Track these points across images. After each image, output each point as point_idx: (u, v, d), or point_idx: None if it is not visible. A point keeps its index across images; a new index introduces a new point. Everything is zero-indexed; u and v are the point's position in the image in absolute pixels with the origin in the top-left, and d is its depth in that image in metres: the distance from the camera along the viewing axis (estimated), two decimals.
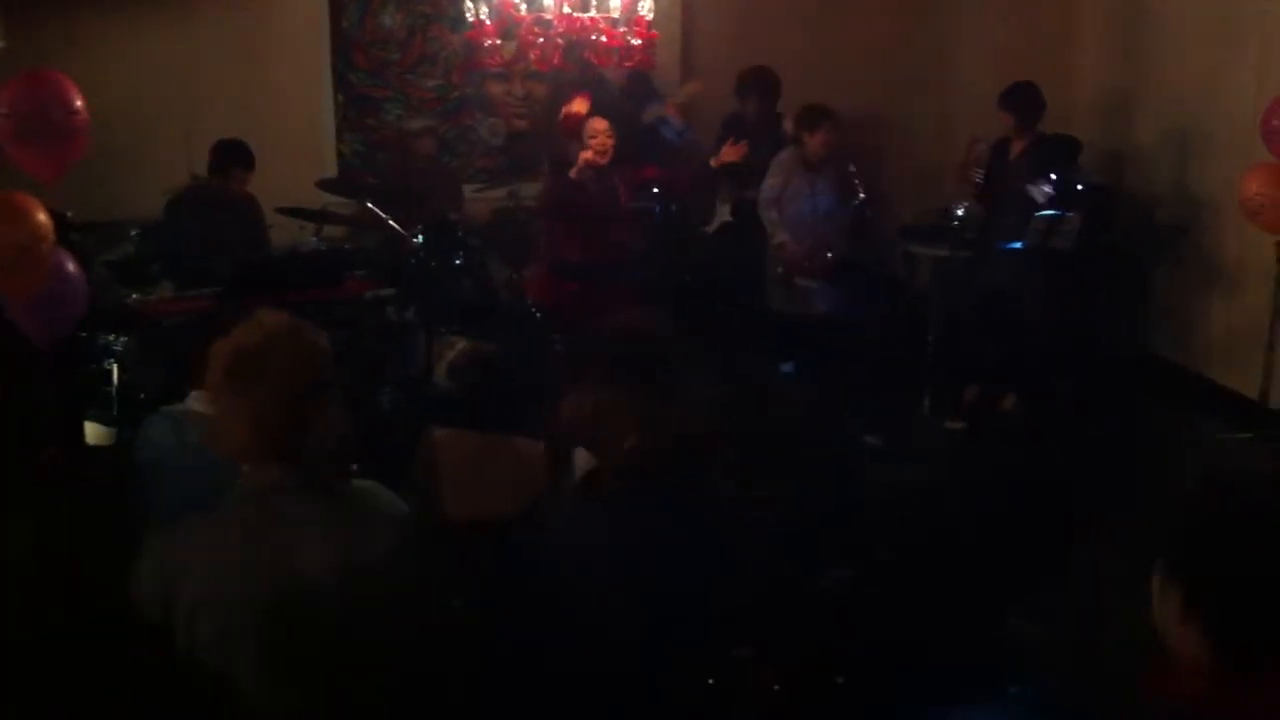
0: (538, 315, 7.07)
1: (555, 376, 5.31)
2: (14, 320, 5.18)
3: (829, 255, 7.20)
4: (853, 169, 7.18)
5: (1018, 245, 7.10)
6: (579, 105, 7.27)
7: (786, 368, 7.22)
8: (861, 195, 7.16)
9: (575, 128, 6.97)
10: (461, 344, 4.51)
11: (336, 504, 2.65)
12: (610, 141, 6.76)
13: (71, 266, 5.22)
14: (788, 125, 7.63)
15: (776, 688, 3.27)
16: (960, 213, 7.63)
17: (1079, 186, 7.24)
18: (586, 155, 6.71)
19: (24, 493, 5.41)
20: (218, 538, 2.58)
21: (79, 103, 5.33)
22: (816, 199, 7.23)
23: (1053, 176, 7.06)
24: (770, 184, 7.30)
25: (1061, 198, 7.06)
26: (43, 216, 4.94)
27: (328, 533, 2.58)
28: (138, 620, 2.59)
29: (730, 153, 7.30)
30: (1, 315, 5.21)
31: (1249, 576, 1.83)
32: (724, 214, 7.98)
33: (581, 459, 3.87)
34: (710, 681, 2.97)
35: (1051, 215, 6.98)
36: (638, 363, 3.02)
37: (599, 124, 6.82)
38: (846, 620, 4.38)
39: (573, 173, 6.76)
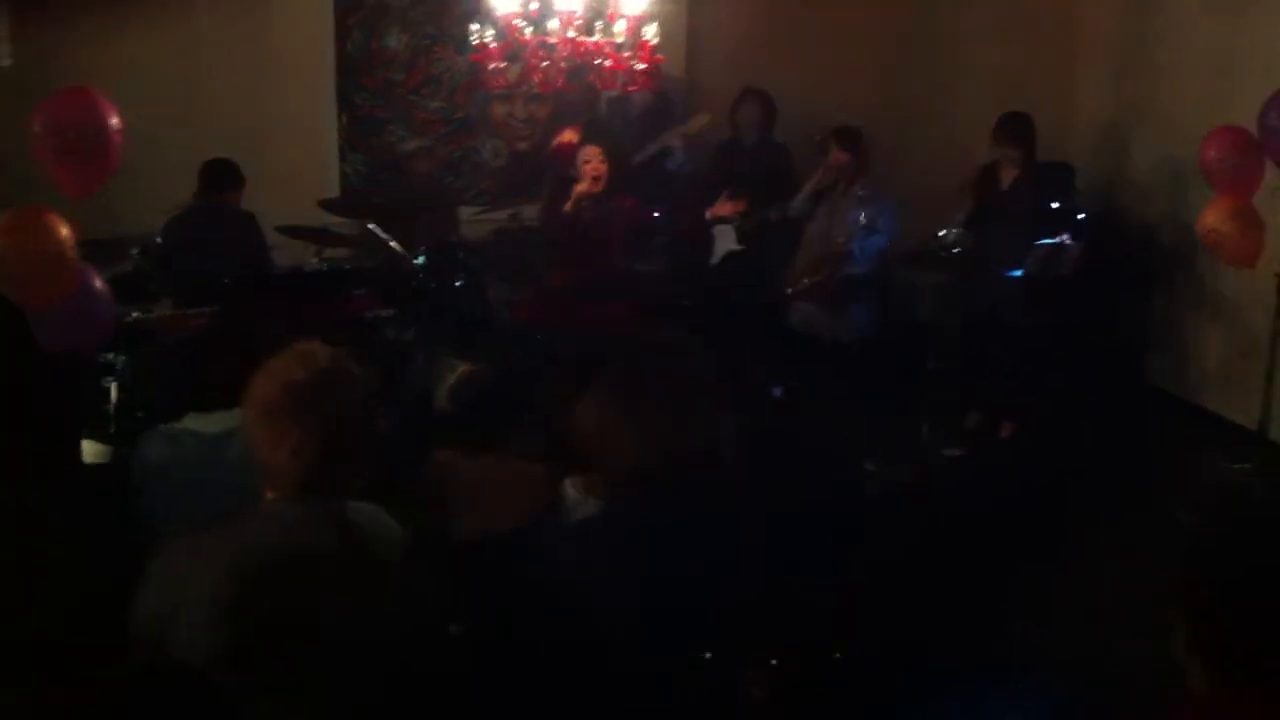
0: (538, 337, 7.08)
1: (551, 393, 5.30)
2: (38, 334, 5.23)
3: (813, 278, 7.20)
4: (865, 193, 7.20)
5: (1017, 273, 7.11)
6: (569, 135, 7.31)
7: (776, 390, 7.22)
8: (863, 223, 7.16)
9: (567, 157, 7.01)
10: (462, 366, 4.51)
11: (347, 532, 2.66)
12: (604, 167, 6.80)
13: (98, 283, 5.30)
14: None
15: (769, 695, 3.27)
16: (942, 235, 7.62)
17: (1079, 215, 7.25)
18: (581, 188, 6.75)
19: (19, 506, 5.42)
20: (225, 560, 2.57)
21: (114, 121, 5.40)
22: (832, 221, 7.23)
23: (1054, 205, 7.08)
24: (794, 205, 7.34)
25: (1060, 226, 7.08)
26: (65, 230, 5.00)
27: (336, 560, 2.60)
28: (137, 639, 2.58)
29: (726, 207, 7.33)
30: (19, 327, 5.26)
31: (1250, 610, 1.83)
32: (728, 244, 7.94)
33: (569, 485, 3.87)
34: (706, 685, 2.97)
35: (1051, 244, 6.99)
36: (639, 377, 3.02)
37: (592, 151, 6.86)
38: (838, 642, 4.36)
39: (567, 206, 6.79)
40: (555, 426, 3.31)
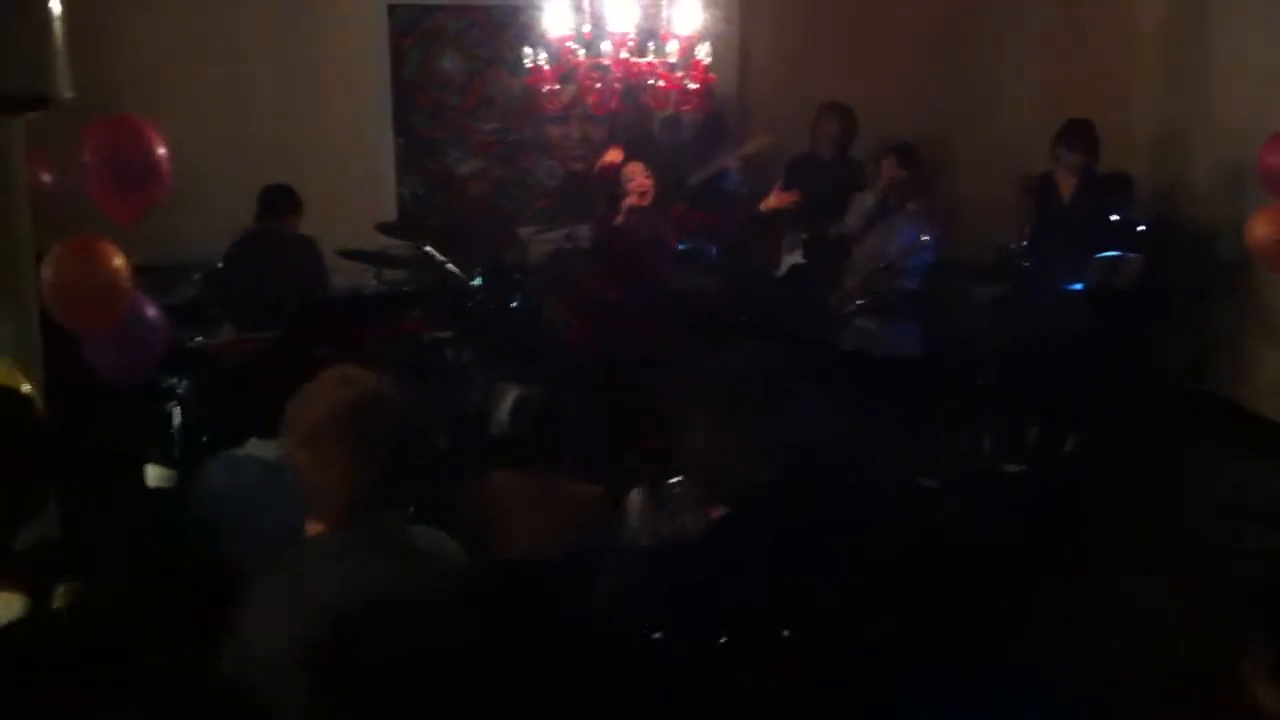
0: (592, 356, 7.08)
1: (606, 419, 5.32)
2: (90, 359, 5.29)
3: (879, 295, 7.17)
4: (925, 214, 7.17)
5: (1078, 286, 7.04)
6: (613, 155, 7.34)
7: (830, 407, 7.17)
8: (925, 238, 7.13)
9: (612, 176, 7.05)
10: (520, 387, 4.52)
11: (404, 558, 2.67)
12: (649, 182, 6.85)
13: (151, 311, 5.34)
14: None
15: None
16: (1014, 248, 7.57)
17: (1140, 227, 7.18)
18: (630, 201, 6.79)
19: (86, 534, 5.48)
20: (286, 592, 2.60)
21: (162, 150, 5.45)
22: (885, 239, 7.20)
23: (1113, 218, 7.02)
24: (848, 222, 7.32)
25: (1121, 238, 7.01)
26: (119, 261, 5.06)
27: (395, 588, 2.60)
28: (228, 678, 2.61)
29: (779, 198, 7.30)
30: (72, 355, 5.32)
31: None
32: (795, 257, 7.94)
33: (634, 502, 3.87)
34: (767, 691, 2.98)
35: (1113, 256, 6.93)
36: (750, 395, 3.05)
37: (635, 168, 6.91)
38: (897, 660, 4.34)
39: (618, 219, 6.83)
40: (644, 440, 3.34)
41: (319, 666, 2.50)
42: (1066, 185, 7.32)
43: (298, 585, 2.61)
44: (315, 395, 2.60)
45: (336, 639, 2.51)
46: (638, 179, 6.85)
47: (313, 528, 2.64)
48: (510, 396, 4.48)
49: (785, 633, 2.99)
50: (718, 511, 3.16)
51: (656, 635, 2.97)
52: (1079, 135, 7.25)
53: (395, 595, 2.59)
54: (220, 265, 7.20)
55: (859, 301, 7.22)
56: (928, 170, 7.40)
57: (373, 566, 2.60)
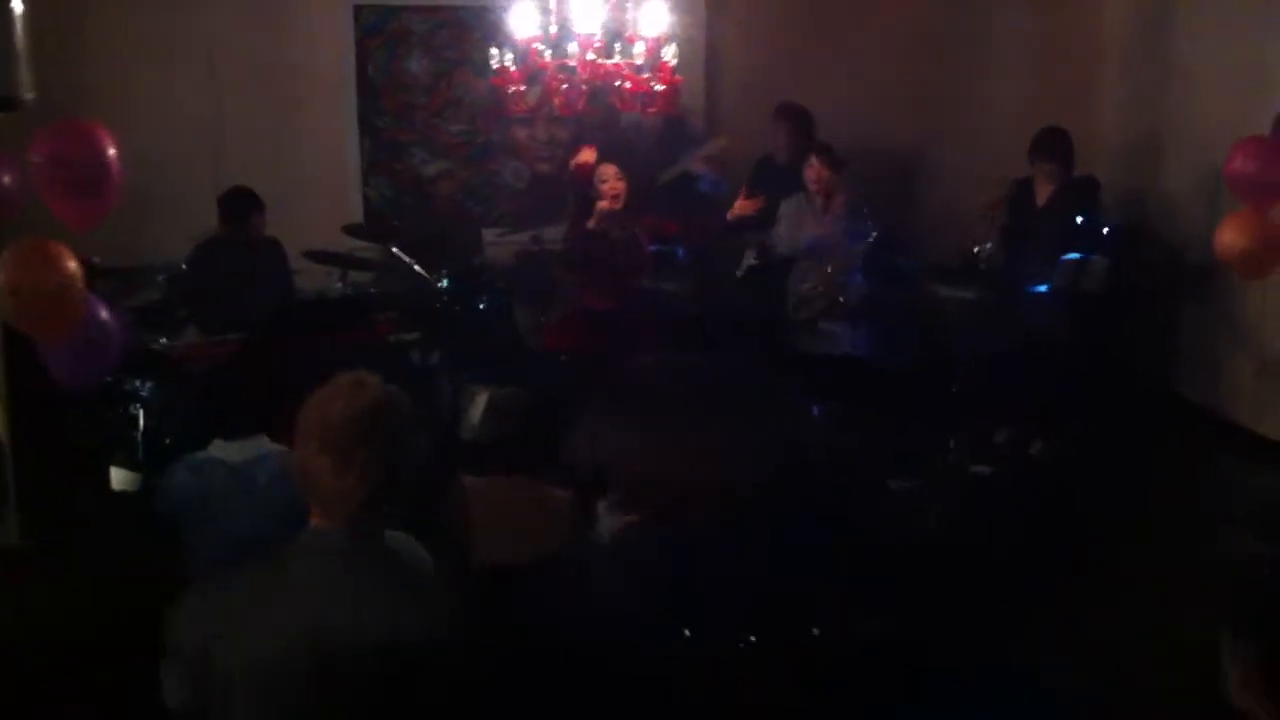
0: (563, 359, 7.05)
1: (585, 423, 5.30)
2: (46, 365, 5.23)
3: (836, 296, 7.18)
4: (865, 209, 7.18)
5: (1043, 288, 7.08)
6: (586, 155, 7.31)
7: (814, 409, 7.18)
8: (874, 233, 7.15)
9: (586, 177, 7.01)
10: (490, 390, 4.49)
11: (382, 565, 2.66)
12: (621, 185, 6.80)
13: (105, 314, 5.26)
14: None
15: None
16: (977, 251, 7.60)
17: (1105, 229, 7.21)
18: (603, 205, 6.75)
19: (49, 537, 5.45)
20: (254, 600, 2.58)
21: (112, 152, 5.35)
22: (819, 237, 7.22)
23: (1079, 220, 7.06)
24: (779, 231, 7.34)
25: (1087, 240, 7.05)
26: (73, 264, 4.98)
27: (372, 596, 2.59)
28: (171, 678, 2.58)
29: (744, 206, 7.29)
30: (35, 359, 5.26)
31: None
32: (750, 258, 7.97)
33: (603, 507, 3.86)
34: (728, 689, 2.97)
35: (1080, 258, 6.96)
36: (673, 406, 3.01)
37: (608, 169, 6.86)
38: (866, 661, 4.34)
39: (590, 223, 6.78)
40: (585, 451, 3.31)
41: (310, 676, 2.49)
42: (1043, 191, 7.36)
43: (272, 588, 2.60)
44: (332, 400, 2.60)
45: (302, 647, 2.49)
46: (610, 182, 6.81)
47: (316, 527, 2.63)
48: (479, 400, 4.45)
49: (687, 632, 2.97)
50: (631, 520, 3.13)
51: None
52: (1053, 143, 7.29)
53: (370, 594, 2.58)
54: (184, 267, 7.15)
55: (816, 303, 7.22)
56: (848, 166, 7.40)
57: (354, 565, 2.60)
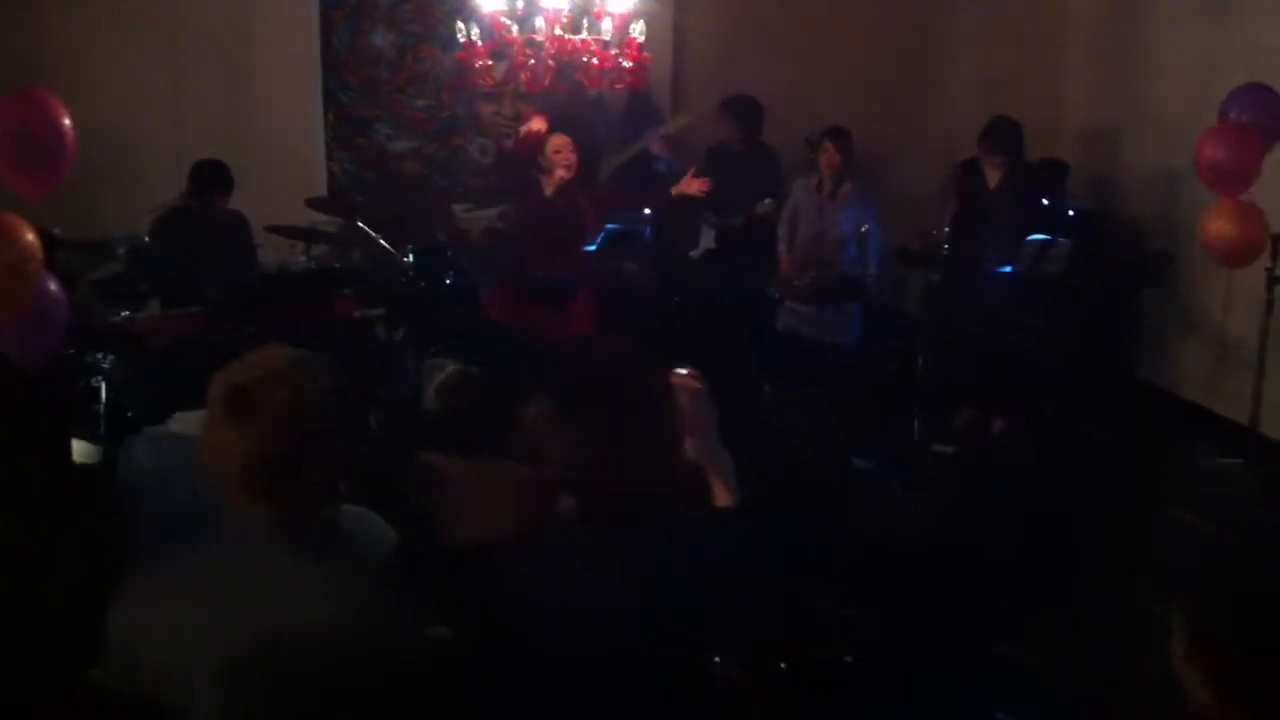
0: (526, 335, 7.03)
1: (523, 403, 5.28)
2: None
3: (817, 278, 7.20)
4: (870, 195, 7.23)
5: (1006, 270, 7.11)
6: (537, 124, 7.24)
7: (766, 389, 7.22)
8: (865, 226, 7.18)
9: (536, 145, 6.94)
10: (451, 366, 4.47)
11: (320, 546, 2.58)
12: (574, 157, 6.73)
13: (54, 287, 5.19)
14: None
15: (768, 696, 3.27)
16: (934, 233, 7.64)
17: (1069, 212, 7.25)
18: (562, 174, 6.68)
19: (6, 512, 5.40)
20: (191, 583, 2.51)
21: (66, 121, 5.28)
22: (825, 224, 7.24)
23: (1044, 202, 7.09)
24: (785, 208, 7.40)
25: (1051, 223, 7.08)
26: (31, 237, 4.91)
27: (309, 578, 2.52)
28: (106, 660, 2.53)
29: (690, 184, 7.29)
30: None
31: (1250, 623, 1.80)
32: (709, 240, 7.99)
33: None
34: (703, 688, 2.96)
35: (1042, 240, 7.00)
36: (606, 392, 2.97)
37: (560, 140, 6.78)
38: (835, 646, 4.36)
39: (548, 191, 6.73)
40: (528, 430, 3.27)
41: (207, 651, 2.44)
42: (993, 175, 7.40)
43: (199, 566, 2.55)
44: (224, 378, 2.51)
45: (234, 632, 2.45)
46: (564, 152, 6.73)
47: (234, 510, 2.57)
48: (441, 376, 4.43)
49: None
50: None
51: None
52: (998, 134, 7.33)
53: (301, 578, 2.51)
54: (146, 239, 7.09)
55: (798, 284, 7.25)
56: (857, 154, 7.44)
57: (277, 551, 2.52)
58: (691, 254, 8.15)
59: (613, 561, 2.74)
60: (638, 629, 2.77)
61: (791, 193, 7.47)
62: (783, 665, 3.36)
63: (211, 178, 7.08)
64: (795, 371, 7.20)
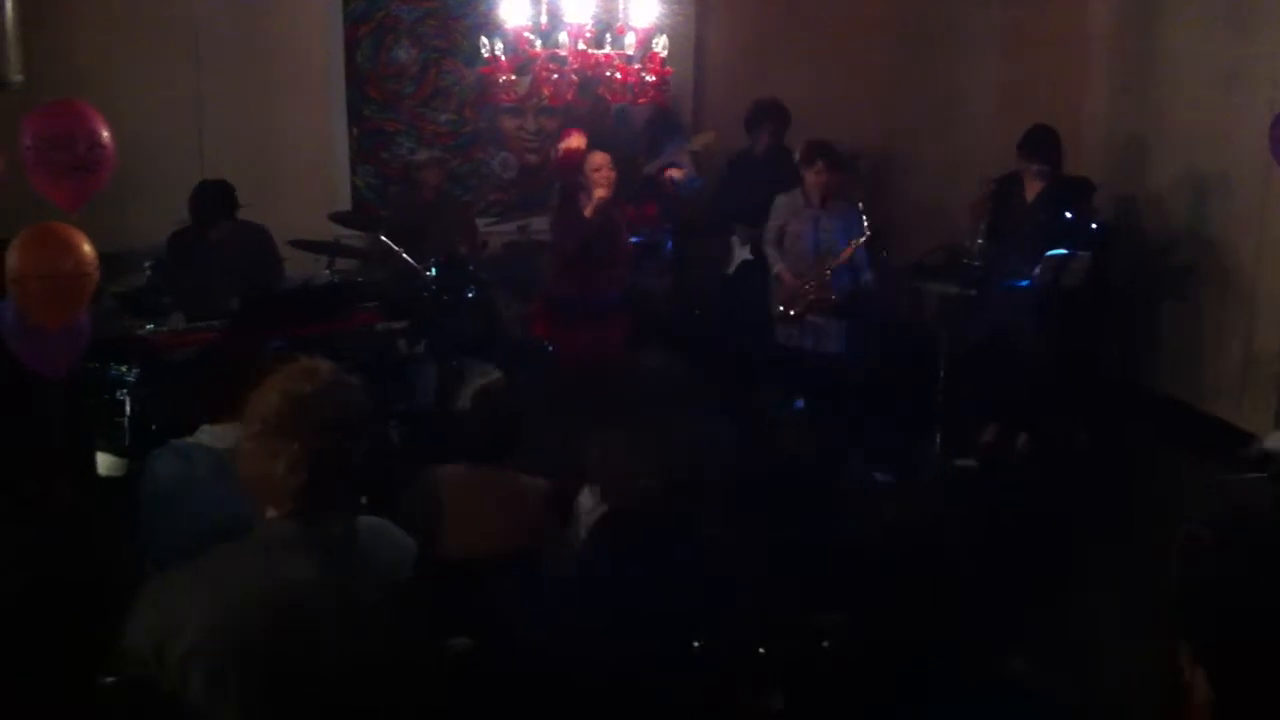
0: (549, 349, 7.04)
1: (561, 415, 5.29)
2: (20, 353, 5.20)
3: (828, 293, 7.17)
4: (860, 205, 7.17)
5: (1024, 283, 7.09)
6: (576, 141, 7.23)
7: (798, 404, 7.20)
8: (867, 234, 7.15)
9: (575, 163, 6.94)
10: (495, 373, 4.50)
11: (344, 552, 2.62)
12: (613, 174, 6.73)
13: None
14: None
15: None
16: (970, 247, 7.62)
17: (1093, 225, 7.23)
18: (601, 194, 6.66)
19: (31, 525, 5.42)
20: (220, 586, 2.53)
21: (105, 134, 5.34)
22: (819, 236, 7.21)
23: (1068, 215, 7.08)
24: (770, 225, 7.33)
25: (1075, 238, 7.07)
26: (88, 248, 4.97)
27: (332, 584, 2.55)
28: (127, 664, 2.54)
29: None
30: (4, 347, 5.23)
31: (1252, 630, 1.81)
32: (743, 254, 7.97)
33: (586, 498, 3.86)
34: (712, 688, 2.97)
35: (1062, 254, 6.98)
36: (644, 404, 3.01)
37: (600, 158, 6.77)
38: (842, 657, 4.35)
39: (588, 211, 6.71)
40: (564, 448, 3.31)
41: (241, 660, 2.45)
42: (1032, 188, 7.35)
43: (228, 574, 2.56)
44: (273, 385, 2.57)
45: (259, 633, 2.46)
46: (604, 170, 6.71)
47: (266, 514, 2.60)
48: (482, 380, 4.46)
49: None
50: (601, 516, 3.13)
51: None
52: (1040, 142, 7.27)
53: (322, 593, 2.53)
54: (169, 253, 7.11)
55: (804, 301, 7.21)
56: (847, 166, 7.41)
57: (306, 558, 2.55)
58: (726, 270, 8.10)
59: (632, 561, 2.77)
60: (640, 628, 2.79)
61: (774, 210, 7.39)
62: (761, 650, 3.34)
63: (212, 202, 6.94)
64: (808, 383, 7.19)
